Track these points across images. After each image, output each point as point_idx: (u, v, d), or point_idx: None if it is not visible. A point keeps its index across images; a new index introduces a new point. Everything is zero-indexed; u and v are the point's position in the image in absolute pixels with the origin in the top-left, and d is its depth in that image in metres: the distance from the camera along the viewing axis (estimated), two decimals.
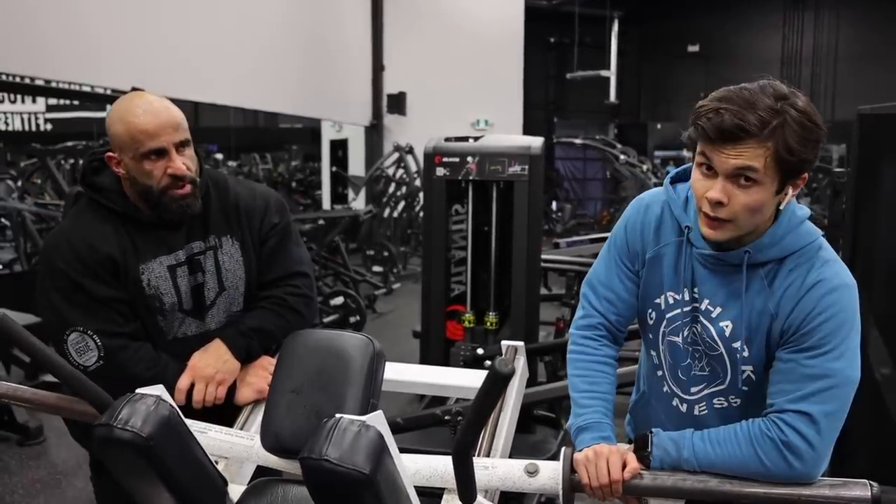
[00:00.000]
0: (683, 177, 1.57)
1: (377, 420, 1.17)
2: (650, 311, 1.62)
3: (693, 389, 1.61)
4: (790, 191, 1.40)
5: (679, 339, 1.58)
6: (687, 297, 1.54)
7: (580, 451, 1.49)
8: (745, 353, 1.48)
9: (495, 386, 1.09)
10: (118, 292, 1.79)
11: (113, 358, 1.74)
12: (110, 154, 1.80)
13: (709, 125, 1.33)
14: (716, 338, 1.51)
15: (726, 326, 1.49)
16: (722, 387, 1.56)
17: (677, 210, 1.54)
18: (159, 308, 1.83)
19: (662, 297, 1.59)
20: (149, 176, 1.77)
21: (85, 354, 1.73)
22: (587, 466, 1.44)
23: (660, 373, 1.67)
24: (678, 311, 1.56)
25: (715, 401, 1.59)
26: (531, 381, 3.89)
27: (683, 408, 1.64)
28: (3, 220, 10.11)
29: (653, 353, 1.68)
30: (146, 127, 1.73)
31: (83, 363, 1.73)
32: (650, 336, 1.66)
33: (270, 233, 1.96)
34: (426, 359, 4.21)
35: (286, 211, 2.03)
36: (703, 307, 1.52)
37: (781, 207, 1.42)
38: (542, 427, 4.21)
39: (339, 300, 6.79)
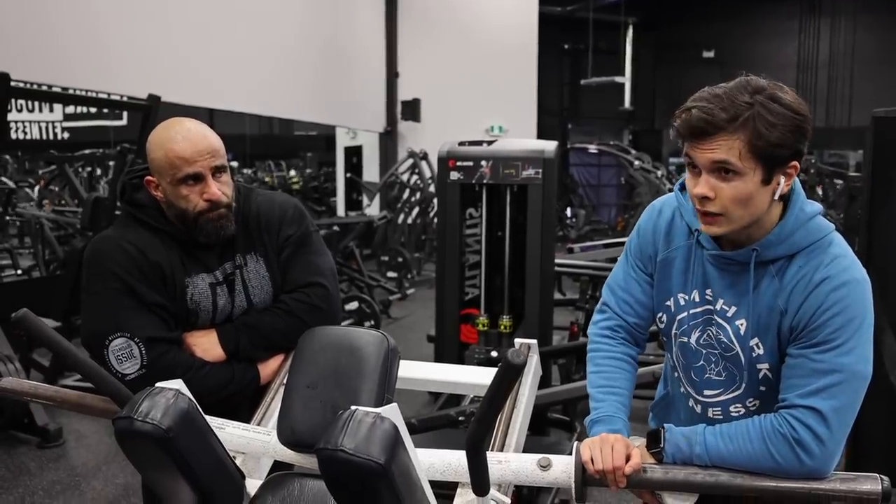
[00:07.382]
0: None
1: (392, 412, 1.19)
2: (661, 313, 1.65)
3: (707, 392, 1.62)
4: (782, 180, 1.40)
5: (691, 341, 1.59)
6: (698, 299, 1.56)
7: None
8: (761, 351, 1.49)
9: (507, 377, 1.11)
10: (165, 300, 1.81)
11: (154, 367, 1.75)
12: (149, 178, 1.84)
13: (681, 124, 1.39)
14: (732, 337, 1.52)
15: (741, 325, 1.50)
16: (738, 392, 1.57)
17: (687, 215, 1.57)
18: (194, 322, 1.87)
19: (672, 298, 1.61)
20: (185, 200, 1.80)
21: (126, 362, 1.74)
22: (592, 450, 1.46)
23: (676, 374, 1.70)
24: (687, 312, 1.59)
25: (732, 408, 1.59)
26: (545, 385, 3.89)
27: (699, 409, 1.65)
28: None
29: (669, 354, 1.71)
30: (184, 153, 1.76)
31: (122, 371, 1.73)
32: (664, 339, 1.69)
33: (286, 243, 1.97)
34: (440, 361, 4.22)
35: (305, 220, 2.03)
36: (718, 307, 1.53)
37: (776, 197, 1.42)
38: (556, 430, 4.21)
39: (353, 305, 6.83)
